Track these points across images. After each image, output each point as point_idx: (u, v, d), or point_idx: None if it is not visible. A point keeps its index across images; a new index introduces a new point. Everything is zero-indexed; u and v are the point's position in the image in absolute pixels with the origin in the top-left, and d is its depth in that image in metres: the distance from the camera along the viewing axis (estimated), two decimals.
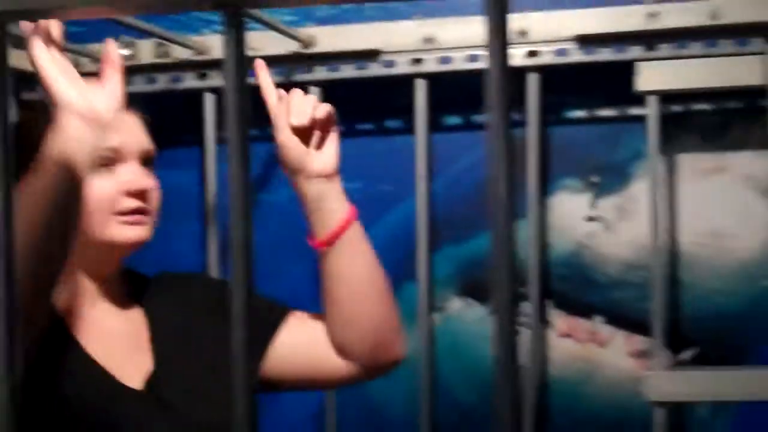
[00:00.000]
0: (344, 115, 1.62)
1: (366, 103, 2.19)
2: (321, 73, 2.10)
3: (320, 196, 1.43)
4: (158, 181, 1.46)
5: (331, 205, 1.44)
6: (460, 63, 2.06)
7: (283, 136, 1.42)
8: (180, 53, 2.11)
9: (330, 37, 2.07)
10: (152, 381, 1.44)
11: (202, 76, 2.15)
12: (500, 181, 0.50)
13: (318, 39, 2.07)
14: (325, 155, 1.44)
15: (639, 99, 2.03)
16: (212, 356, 1.48)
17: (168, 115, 1.77)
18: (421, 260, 2.12)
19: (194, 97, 2.16)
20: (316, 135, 1.44)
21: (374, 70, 2.09)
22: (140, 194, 1.41)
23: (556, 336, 2.17)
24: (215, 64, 2.12)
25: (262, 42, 2.01)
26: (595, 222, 2.16)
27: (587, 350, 2.17)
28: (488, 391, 2.16)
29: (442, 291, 2.19)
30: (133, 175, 1.40)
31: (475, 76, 2.06)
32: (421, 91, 2.09)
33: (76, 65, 1.85)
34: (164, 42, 2.09)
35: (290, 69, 2.09)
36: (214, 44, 2.09)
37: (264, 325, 1.51)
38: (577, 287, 2.19)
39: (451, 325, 2.19)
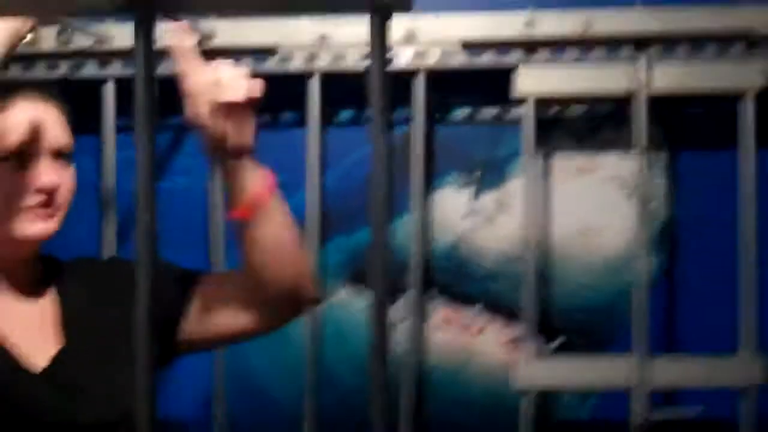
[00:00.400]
0: None
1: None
2: None
3: (238, 170, 1.44)
4: (72, 171, 1.47)
5: (248, 179, 1.45)
6: (352, 61, 2.15)
7: (208, 111, 1.40)
8: (82, 41, 2.15)
9: (230, 32, 2.14)
10: (54, 363, 1.46)
11: (103, 65, 2.19)
12: (380, 174, 0.59)
13: (218, 33, 2.13)
14: (246, 130, 1.44)
15: (517, 101, 2.16)
16: (117, 338, 1.50)
17: (67, 102, 1.82)
18: (312, 250, 2.20)
19: (94, 85, 2.20)
20: (242, 110, 1.43)
21: (271, 65, 2.16)
22: (49, 189, 1.42)
23: (435, 325, 2.27)
24: (116, 54, 2.17)
25: (159, 34, 2.08)
26: (474, 216, 2.27)
27: (464, 339, 2.28)
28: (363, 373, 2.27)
29: (332, 280, 2.27)
30: (42, 171, 1.42)
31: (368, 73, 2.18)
32: (315, 86, 2.18)
33: None
34: (66, 29, 2.13)
35: None
36: (115, 33, 2.14)
37: (178, 292, 1.54)
38: (458, 278, 2.29)
39: (337, 313, 2.27)
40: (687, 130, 2.28)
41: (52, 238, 1.47)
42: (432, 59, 2.13)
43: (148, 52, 0.56)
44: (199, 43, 1.50)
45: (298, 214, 2.25)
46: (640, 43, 2.12)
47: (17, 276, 1.48)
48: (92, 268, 1.60)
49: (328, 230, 2.28)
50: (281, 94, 2.31)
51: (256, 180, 1.45)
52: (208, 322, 1.56)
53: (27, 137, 1.41)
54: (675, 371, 2.14)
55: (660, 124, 2.18)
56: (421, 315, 2.21)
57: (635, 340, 2.11)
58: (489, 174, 2.27)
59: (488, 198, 2.27)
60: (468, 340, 2.28)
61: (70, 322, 1.49)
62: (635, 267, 2.17)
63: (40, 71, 2.15)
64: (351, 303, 2.30)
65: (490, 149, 2.28)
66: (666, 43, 2.13)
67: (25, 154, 1.41)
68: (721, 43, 2.13)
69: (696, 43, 2.13)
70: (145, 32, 0.56)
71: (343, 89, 2.23)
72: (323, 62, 2.16)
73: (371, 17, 0.55)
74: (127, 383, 1.44)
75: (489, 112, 2.26)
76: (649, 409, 2.09)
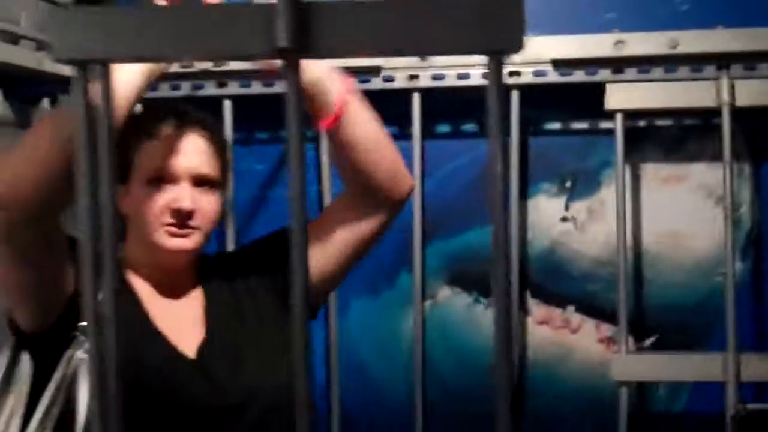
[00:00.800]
0: None
1: None
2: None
3: (318, 81, 1.50)
4: (215, 198, 1.58)
5: (329, 85, 1.51)
6: (450, 80, 2.24)
7: None
8: (202, 64, 2.25)
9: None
10: (202, 350, 1.60)
11: (221, 85, 2.33)
12: (497, 181, 0.70)
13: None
14: None
15: (608, 115, 2.21)
16: (255, 326, 1.65)
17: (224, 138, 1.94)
18: (416, 253, 2.30)
19: (213, 102, 2.29)
20: None
21: (376, 83, 2.26)
22: (184, 211, 1.54)
23: (534, 323, 2.35)
24: (233, 74, 2.30)
25: None
26: (568, 222, 2.35)
27: (561, 336, 2.35)
28: (471, 371, 2.36)
29: (432, 281, 2.36)
30: (177, 195, 1.54)
31: (464, 90, 2.27)
32: (416, 103, 2.28)
33: None
34: None
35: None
36: None
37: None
38: (552, 280, 2.36)
39: (439, 312, 2.36)
40: None
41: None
42: (526, 77, 2.21)
43: (297, 92, 0.67)
44: None
45: (402, 221, 2.36)
46: (722, 61, 2.15)
47: (173, 277, 1.63)
48: (229, 261, 1.75)
49: (428, 235, 2.36)
50: (385, 110, 2.42)
51: (336, 85, 1.52)
52: (330, 252, 1.64)
53: (174, 164, 1.54)
54: (764, 367, 2.18)
55: (744, 135, 2.22)
56: (520, 313, 2.30)
57: (728, 337, 2.16)
58: (581, 183, 2.34)
59: (580, 205, 2.34)
60: (565, 338, 2.35)
61: (213, 313, 1.63)
62: (724, 270, 2.22)
63: (163, 91, 2.27)
64: (451, 303, 2.38)
65: (581, 160, 2.34)
66: (747, 61, 2.16)
67: (167, 177, 1.54)
68: None
69: None
70: (292, 77, 0.68)
71: (441, 105, 2.33)
72: (423, 81, 2.27)
73: (489, 60, 0.67)
74: (260, 365, 1.60)
75: (580, 125, 2.33)
76: (741, 402, 2.16)
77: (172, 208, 1.54)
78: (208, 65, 2.26)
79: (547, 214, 2.36)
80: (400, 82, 2.27)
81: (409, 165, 2.27)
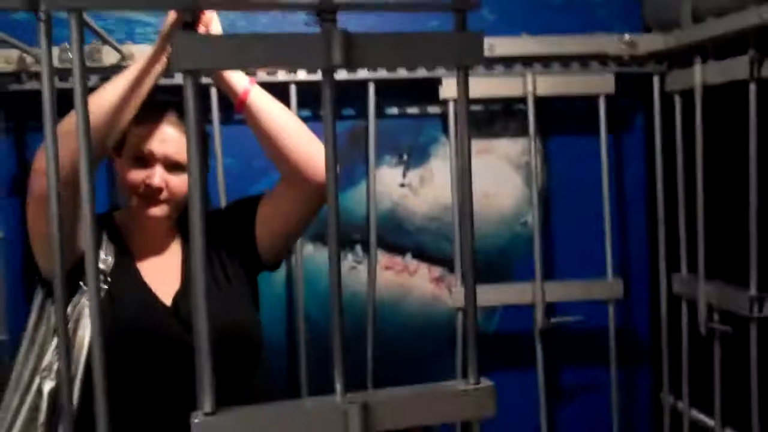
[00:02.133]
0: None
1: None
2: None
3: (226, 77, 1.84)
4: (184, 179, 1.86)
5: (236, 82, 1.84)
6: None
7: None
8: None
9: None
10: (176, 298, 1.90)
11: None
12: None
13: None
14: None
15: (437, 102, 2.70)
16: (220, 278, 1.93)
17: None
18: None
19: None
20: None
21: None
22: (153, 187, 1.86)
23: (380, 269, 2.79)
24: None
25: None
26: (405, 187, 2.83)
27: (402, 278, 2.84)
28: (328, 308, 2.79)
29: (302, 240, 2.72)
30: (150, 174, 1.86)
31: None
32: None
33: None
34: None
35: None
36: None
37: (247, 218, 1.93)
38: (394, 234, 2.82)
39: (306, 263, 2.74)
40: (557, 122, 2.86)
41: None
42: (381, 73, 2.60)
43: (332, 102, 1.10)
44: None
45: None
46: (527, 61, 2.69)
47: (152, 238, 1.95)
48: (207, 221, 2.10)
49: None
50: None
51: (242, 81, 1.86)
52: (273, 224, 1.93)
53: (150, 148, 1.87)
54: (562, 290, 2.76)
55: (538, 118, 2.75)
56: (374, 261, 2.73)
57: (536, 268, 2.71)
58: (415, 156, 2.82)
59: (414, 174, 2.82)
60: (405, 279, 2.84)
61: (188, 267, 1.92)
62: (523, 220, 2.80)
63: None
64: (313, 256, 2.77)
65: (415, 138, 2.82)
66: (544, 61, 2.70)
67: (147, 159, 1.87)
68: (582, 60, 2.73)
69: (564, 60, 2.72)
70: (332, 86, 1.11)
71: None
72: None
73: (458, 72, 1.13)
74: (225, 307, 1.88)
75: (413, 110, 2.80)
76: (546, 319, 2.74)
77: (146, 183, 1.87)
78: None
79: (389, 181, 2.82)
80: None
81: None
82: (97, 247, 1.23)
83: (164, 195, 1.89)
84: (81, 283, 1.82)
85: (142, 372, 1.85)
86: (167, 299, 1.91)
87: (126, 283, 1.89)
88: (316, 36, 1.32)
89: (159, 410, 1.85)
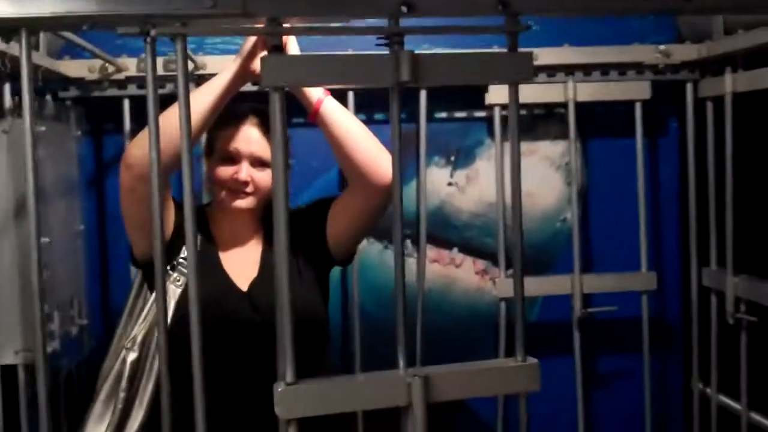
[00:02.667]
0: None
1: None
2: None
3: (302, 90, 2.00)
4: (268, 173, 2.04)
5: (311, 93, 2.01)
6: None
7: None
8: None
9: None
10: (252, 285, 2.10)
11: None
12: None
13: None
14: None
15: (483, 107, 2.88)
16: (293, 270, 2.03)
17: None
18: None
19: None
20: None
21: None
22: (242, 181, 2.06)
23: (429, 261, 2.97)
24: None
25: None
26: (452, 186, 3.01)
27: (448, 270, 3.02)
28: (382, 296, 2.96)
29: None
30: (237, 170, 2.07)
31: None
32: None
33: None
34: None
35: None
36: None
37: (319, 218, 2.10)
38: (441, 229, 3.01)
39: (360, 256, 2.90)
40: (596, 126, 3.02)
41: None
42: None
43: (398, 116, 1.30)
44: None
45: (327, 187, 2.89)
46: (569, 69, 2.87)
47: (237, 229, 2.15)
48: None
49: None
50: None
51: (316, 91, 2.02)
52: (341, 223, 2.10)
53: (237, 147, 2.08)
54: (599, 282, 2.94)
55: (578, 121, 2.92)
56: (423, 254, 2.91)
57: (574, 262, 2.89)
58: (462, 157, 3.00)
59: (461, 174, 3.00)
60: (452, 271, 3.02)
61: (265, 258, 2.13)
62: (563, 217, 2.97)
63: None
64: (367, 250, 2.96)
65: (462, 140, 3.01)
66: (585, 69, 2.88)
67: (234, 157, 2.08)
68: (620, 68, 2.90)
69: (603, 68, 2.90)
70: (399, 104, 1.31)
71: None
72: None
73: (509, 86, 1.35)
74: (298, 294, 2.04)
75: (461, 114, 2.99)
76: (583, 309, 2.91)
77: (233, 178, 2.08)
78: None
79: (438, 181, 3.01)
80: None
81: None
82: (196, 235, 1.43)
83: (250, 188, 2.09)
84: (169, 267, 2.05)
85: (216, 349, 1.95)
86: (244, 285, 2.11)
87: (208, 269, 2.07)
88: (386, 56, 1.50)
89: (229, 383, 2.03)
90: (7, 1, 1.51)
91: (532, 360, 1.63)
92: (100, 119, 2.89)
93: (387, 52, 1.52)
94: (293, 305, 1.73)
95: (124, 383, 2.09)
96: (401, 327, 1.57)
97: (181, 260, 2.09)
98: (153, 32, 1.53)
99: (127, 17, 1.53)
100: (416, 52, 1.49)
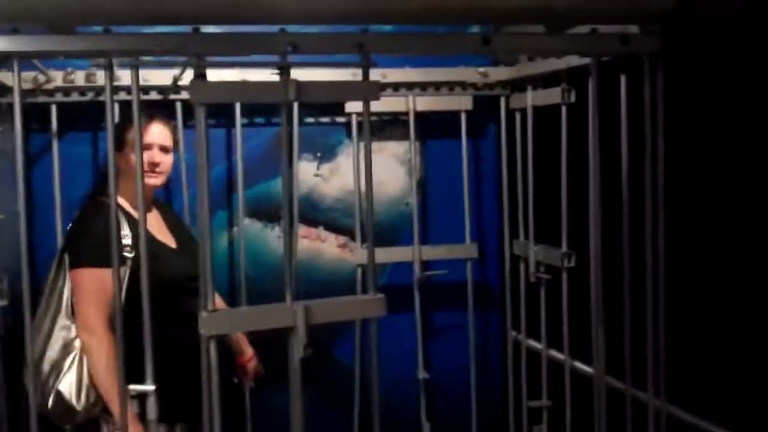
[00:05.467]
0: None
1: None
2: None
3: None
4: (171, 157, 2.71)
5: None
6: None
7: None
8: None
9: None
10: (177, 244, 2.72)
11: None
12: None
13: None
14: None
15: (343, 113, 3.40)
16: (185, 233, 2.77)
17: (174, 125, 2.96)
18: (241, 198, 3.42)
19: None
20: None
21: None
22: (155, 163, 2.64)
23: (300, 237, 3.48)
24: None
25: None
26: (319, 177, 3.53)
27: (316, 244, 3.54)
28: (262, 266, 3.42)
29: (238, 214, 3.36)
30: (152, 154, 2.64)
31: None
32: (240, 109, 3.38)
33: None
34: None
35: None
36: None
37: None
38: (310, 211, 3.52)
39: (245, 233, 3.39)
40: (431, 130, 3.55)
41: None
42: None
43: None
44: None
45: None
46: (409, 86, 3.42)
47: (148, 204, 2.68)
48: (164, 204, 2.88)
49: (235, 186, 3.38)
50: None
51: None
52: None
53: (152, 139, 2.64)
54: (433, 251, 3.50)
55: (417, 126, 3.48)
56: (293, 232, 3.42)
57: (414, 236, 3.44)
58: (326, 153, 3.52)
59: (326, 167, 3.52)
60: (318, 245, 3.54)
61: (170, 225, 2.74)
62: (408, 201, 3.54)
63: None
64: (250, 228, 3.41)
65: (326, 139, 3.52)
66: (422, 86, 3.44)
67: (150, 146, 2.64)
68: (449, 85, 3.46)
69: (436, 85, 3.45)
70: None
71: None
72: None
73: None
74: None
75: (325, 119, 3.51)
76: (422, 273, 3.47)
77: (150, 162, 2.64)
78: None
79: (307, 172, 3.52)
80: None
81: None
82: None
83: (160, 168, 2.67)
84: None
85: (171, 289, 2.58)
86: (172, 245, 2.70)
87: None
88: (278, 82, 2.06)
89: (176, 317, 2.58)
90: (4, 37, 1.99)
91: (380, 295, 2.21)
92: (30, 121, 3.25)
93: (278, 79, 2.08)
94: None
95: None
96: (289, 273, 2.12)
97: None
98: (116, 62, 2.03)
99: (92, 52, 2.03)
100: (300, 79, 2.05)
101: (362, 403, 3.51)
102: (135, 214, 2.64)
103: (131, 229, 2.59)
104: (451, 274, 3.52)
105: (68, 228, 2.71)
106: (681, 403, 2.50)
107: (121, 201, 2.65)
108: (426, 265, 3.50)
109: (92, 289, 2.45)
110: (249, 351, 3.12)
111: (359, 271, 3.46)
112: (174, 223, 2.83)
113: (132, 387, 2.15)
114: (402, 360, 3.54)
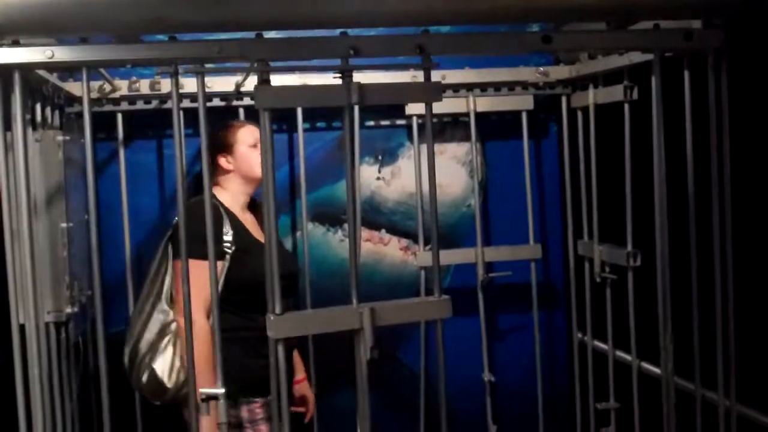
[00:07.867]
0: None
1: None
2: None
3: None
4: None
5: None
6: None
7: None
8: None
9: None
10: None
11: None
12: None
13: None
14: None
15: (404, 116, 3.42)
16: None
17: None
18: (303, 202, 3.45)
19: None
20: None
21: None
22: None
23: (362, 240, 3.51)
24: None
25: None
26: (380, 180, 3.54)
27: (378, 247, 3.56)
28: (326, 270, 3.46)
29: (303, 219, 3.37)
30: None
31: None
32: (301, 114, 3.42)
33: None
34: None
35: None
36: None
37: None
38: (372, 214, 3.53)
39: (310, 239, 3.40)
40: (492, 131, 3.55)
41: None
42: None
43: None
44: None
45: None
46: (469, 86, 3.42)
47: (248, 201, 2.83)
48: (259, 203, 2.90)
49: (298, 191, 3.42)
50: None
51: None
52: None
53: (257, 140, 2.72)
54: (497, 253, 3.49)
55: (478, 127, 3.48)
56: (356, 234, 3.44)
57: (477, 238, 3.44)
58: (387, 156, 3.53)
59: (387, 170, 3.53)
60: (380, 248, 3.56)
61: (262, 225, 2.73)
62: (469, 203, 3.54)
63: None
64: (313, 233, 3.42)
65: (386, 143, 3.53)
66: (482, 87, 3.44)
67: (257, 146, 2.73)
68: (509, 85, 3.46)
69: (496, 85, 3.45)
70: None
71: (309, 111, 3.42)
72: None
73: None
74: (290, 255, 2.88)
75: (386, 122, 3.52)
76: (485, 274, 3.46)
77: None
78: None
79: (368, 176, 3.53)
80: None
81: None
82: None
83: None
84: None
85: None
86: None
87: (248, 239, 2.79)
88: (341, 86, 2.07)
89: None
90: (69, 48, 2.04)
91: (446, 297, 2.21)
92: (98, 129, 3.28)
93: (341, 82, 2.10)
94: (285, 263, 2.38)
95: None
96: (354, 275, 2.13)
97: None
98: (181, 70, 2.07)
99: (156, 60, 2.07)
100: (362, 82, 2.06)
101: (427, 406, 3.51)
102: (237, 212, 2.81)
103: (233, 226, 2.74)
104: (514, 275, 3.51)
105: (173, 221, 2.80)
106: (752, 403, 2.46)
107: (226, 199, 2.81)
108: (489, 266, 3.49)
109: (194, 278, 2.51)
110: (298, 375, 3.14)
111: (422, 273, 3.46)
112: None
113: (203, 390, 2.19)
114: (467, 362, 3.54)
